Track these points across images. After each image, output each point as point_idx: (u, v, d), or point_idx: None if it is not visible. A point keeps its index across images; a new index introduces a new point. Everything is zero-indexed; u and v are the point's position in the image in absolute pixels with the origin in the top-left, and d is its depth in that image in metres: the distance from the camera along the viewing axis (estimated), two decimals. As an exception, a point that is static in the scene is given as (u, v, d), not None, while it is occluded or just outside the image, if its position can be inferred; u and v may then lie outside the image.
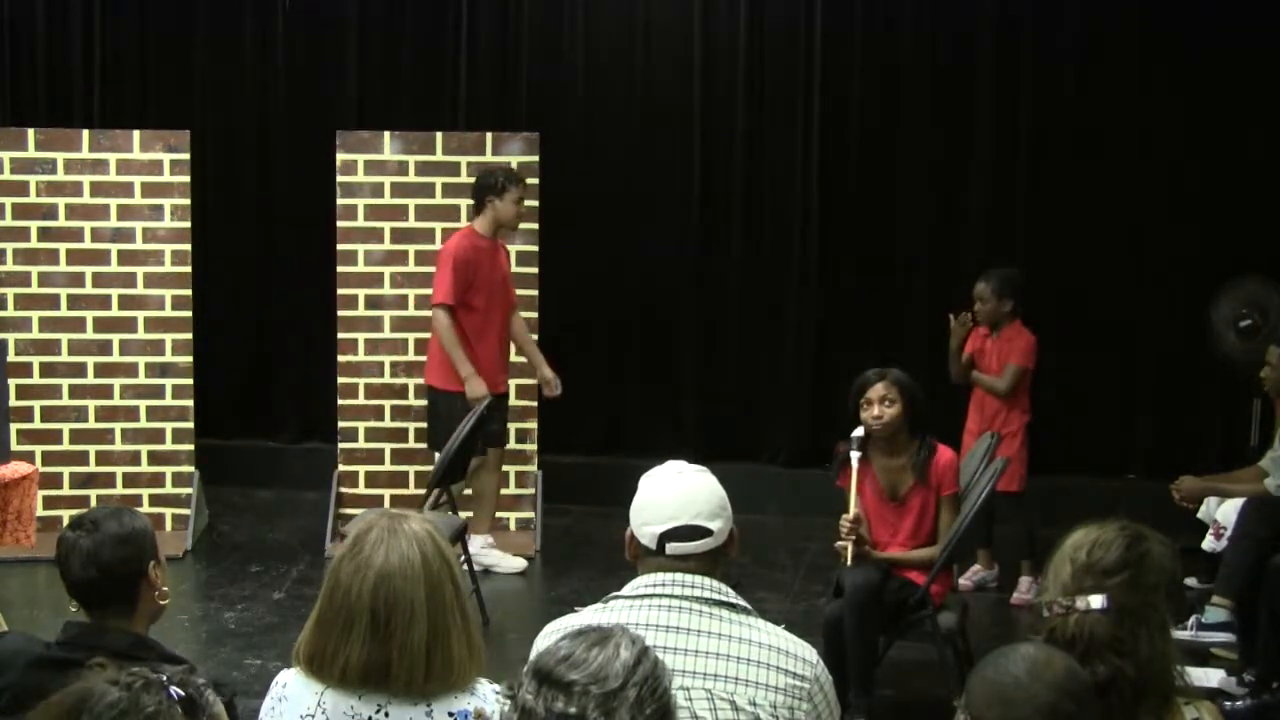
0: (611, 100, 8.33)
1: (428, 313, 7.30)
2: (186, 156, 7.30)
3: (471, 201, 6.82)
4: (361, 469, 7.40)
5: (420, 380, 7.35)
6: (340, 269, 7.36)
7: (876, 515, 5.13)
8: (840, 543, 4.94)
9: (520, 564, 6.96)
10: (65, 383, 7.26)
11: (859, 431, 5.02)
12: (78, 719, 1.82)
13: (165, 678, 1.90)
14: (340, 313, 7.38)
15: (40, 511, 5.98)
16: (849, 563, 4.90)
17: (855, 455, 4.98)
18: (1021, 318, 6.62)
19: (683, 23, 8.23)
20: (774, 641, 2.66)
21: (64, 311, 7.25)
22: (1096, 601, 2.42)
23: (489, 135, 7.43)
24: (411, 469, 7.36)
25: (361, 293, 7.35)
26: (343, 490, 7.37)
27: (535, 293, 7.39)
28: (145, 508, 6.93)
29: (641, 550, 2.76)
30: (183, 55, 8.56)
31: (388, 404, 7.39)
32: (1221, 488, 5.98)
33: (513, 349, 7.08)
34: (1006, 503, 6.40)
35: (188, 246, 7.30)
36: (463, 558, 6.06)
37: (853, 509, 4.94)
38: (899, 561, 5.03)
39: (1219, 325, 7.07)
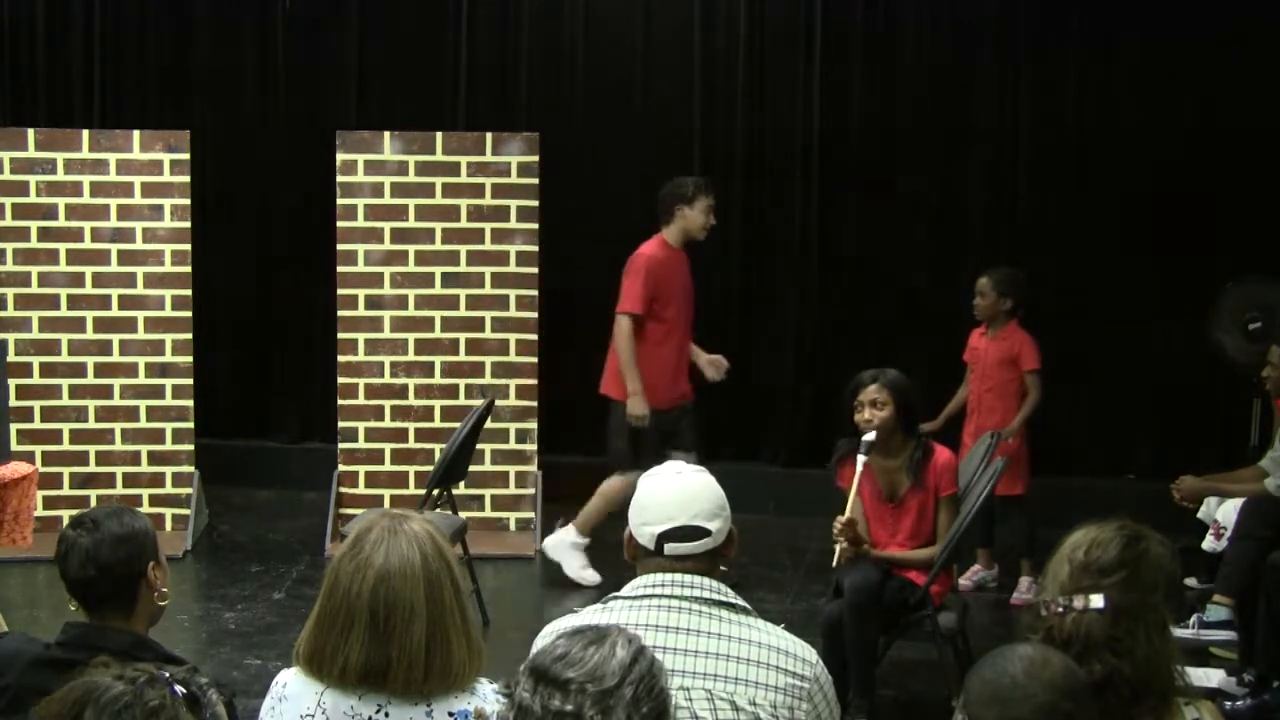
0: (611, 100, 8.33)
1: (428, 313, 7.35)
2: (186, 156, 7.30)
3: (661, 210, 6.67)
4: (361, 469, 7.40)
5: (421, 380, 7.37)
6: (340, 269, 7.36)
7: (875, 516, 5.13)
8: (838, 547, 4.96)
9: (594, 578, 6.73)
10: (65, 383, 7.26)
11: (870, 435, 4.97)
12: (82, 712, 1.83)
13: (169, 675, 1.91)
14: (340, 313, 7.38)
15: (40, 511, 5.99)
16: (835, 564, 4.92)
17: (861, 459, 4.94)
18: (1019, 320, 6.63)
19: (683, 23, 8.24)
20: (774, 641, 2.66)
21: (64, 311, 7.25)
22: (1094, 601, 2.43)
23: (489, 135, 7.43)
24: (411, 469, 7.36)
25: (361, 293, 7.35)
26: (343, 490, 7.37)
27: (535, 293, 7.40)
28: (145, 508, 6.93)
29: (640, 550, 2.76)
30: (183, 56, 8.57)
31: (388, 404, 7.39)
32: (1221, 488, 5.98)
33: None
34: (1008, 503, 6.42)
35: (188, 246, 7.30)
36: (463, 558, 6.06)
37: (849, 511, 4.93)
38: (898, 561, 5.03)
39: (1224, 327, 7.07)
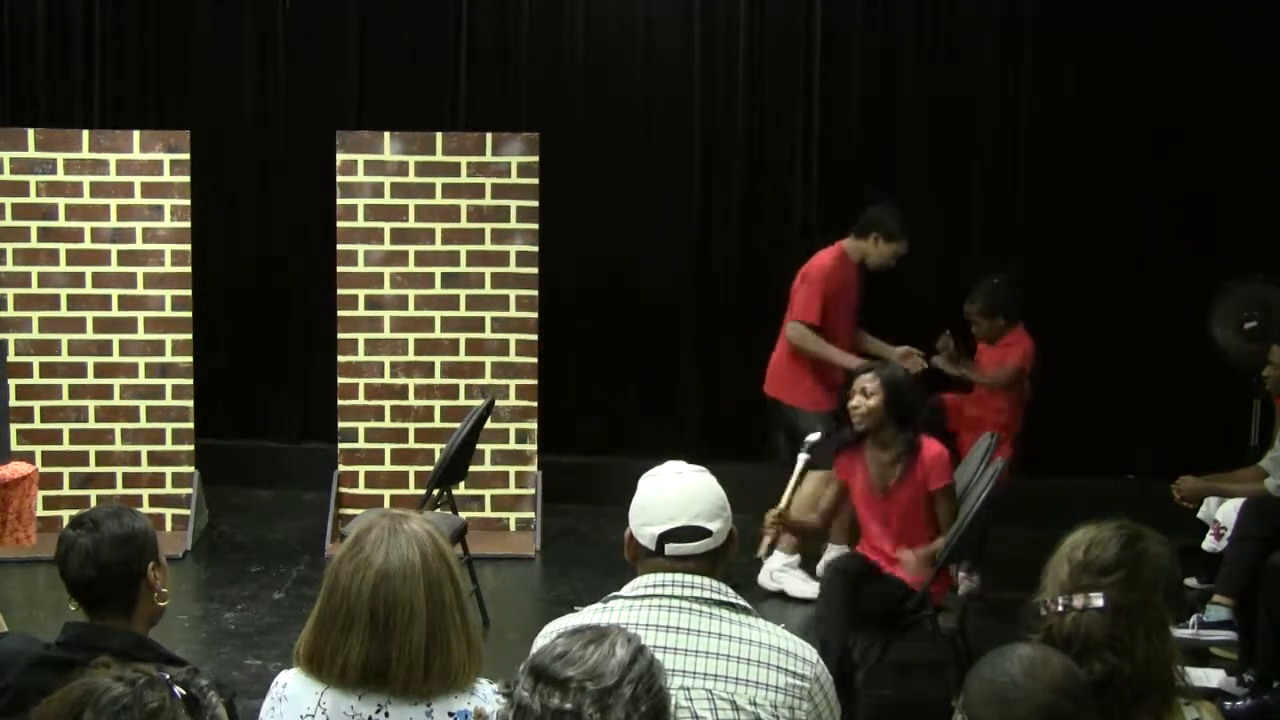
0: (611, 100, 8.33)
1: (428, 313, 7.35)
2: (186, 156, 7.29)
3: (860, 224, 6.67)
4: (361, 469, 7.40)
5: (421, 380, 7.36)
6: (340, 269, 7.36)
7: (866, 507, 5.23)
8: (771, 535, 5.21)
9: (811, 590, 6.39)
10: (65, 383, 7.26)
11: (813, 436, 5.22)
12: (81, 713, 1.83)
13: (169, 676, 1.91)
14: (340, 313, 7.38)
15: (40, 511, 5.98)
16: (760, 554, 5.41)
17: (803, 457, 5.11)
18: (1024, 324, 6.63)
19: (683, 22, 8.24)
20: (774, 641, 2.66)
21: (64, 311, 7.25)
22: (1093, 600, 2.43)
23: (489, 135, 7.43)
24: (411, 469, 7.36)
25: (361, 293, 7.36)
26: (343, 490, 7.37)
27: (535, 293, 7.40)
28: (145, 508, 6.93)
29: (641, 551, 2.77)
30: (183, 56, 8.56)
31: (388, 404, 7.39)
32: (1221, 488, 5.98)
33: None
34: None
35: (188, 246, 7.29)
36: (463, 558, 6.06)
37: (783, 503, 5.04)
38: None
39: (1223, 327, 7.07)
